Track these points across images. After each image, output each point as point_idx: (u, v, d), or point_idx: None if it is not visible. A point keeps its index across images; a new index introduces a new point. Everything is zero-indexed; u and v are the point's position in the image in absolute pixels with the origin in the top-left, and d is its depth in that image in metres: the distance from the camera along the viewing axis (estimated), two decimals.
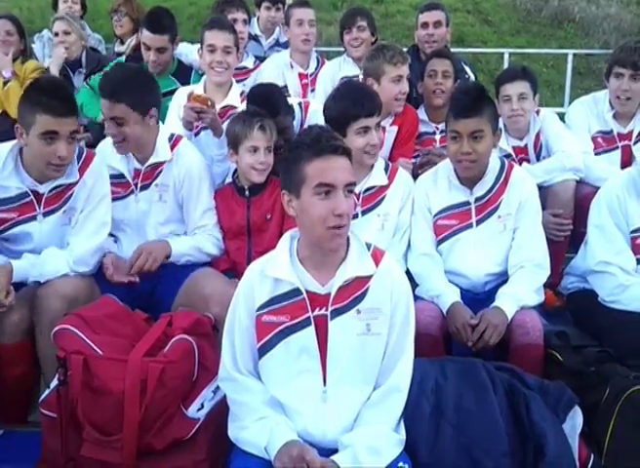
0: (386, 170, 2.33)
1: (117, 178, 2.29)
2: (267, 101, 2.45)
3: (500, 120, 2.58)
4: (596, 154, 2.88)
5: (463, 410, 1.62)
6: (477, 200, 2.22)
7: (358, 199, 2.25)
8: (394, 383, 1.58)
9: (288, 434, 1.49)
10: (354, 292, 1.58)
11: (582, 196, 2.68)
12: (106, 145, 2.33)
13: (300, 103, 2.88)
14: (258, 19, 3.85)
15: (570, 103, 3.45)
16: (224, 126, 2.49)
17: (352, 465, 1.45)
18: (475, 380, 1.68)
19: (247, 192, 2.35)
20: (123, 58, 3.28)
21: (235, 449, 1.58)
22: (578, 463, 1.63)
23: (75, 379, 1.68)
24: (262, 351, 1.59)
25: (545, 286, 2.23)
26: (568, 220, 2.68)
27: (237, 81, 2.98)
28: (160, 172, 2.30)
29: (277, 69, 3.40)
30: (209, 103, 2.52)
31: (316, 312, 1.57)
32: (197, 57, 3.21)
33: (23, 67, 3.43)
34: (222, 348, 1.65)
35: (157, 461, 1.69)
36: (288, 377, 1.58)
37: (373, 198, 2.30)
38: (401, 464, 1.50)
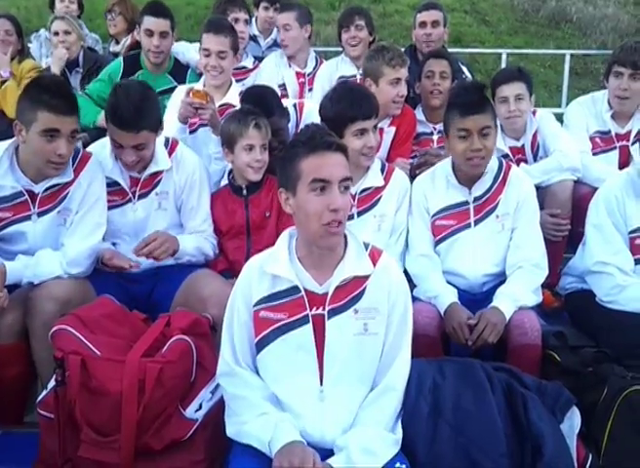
0: (382, 170, 2.33)
1: (112, 186, 2.24)
2: (261, 103, 2.45)
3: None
4: (594, 154, 2.89)
5: (462, 411, 1.62)
6: (476, 200, 2.22)
7: (354, 200, 2.25)
8: (390, 383, 1.58)
9: (292, 433, 1.49)
10: (352, 292, 1.58)
11: (580, 196, 2.68)
12: (100, 149, 2.27)
13: (294, 105, 2.89)
14: (256, 19, 3.86)
15: (567, 104, 3.46)
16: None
17: (346, 466, 1.45)
18: (473, 380, 1.68)
19: (244, 191, 2.35)
20: (121, 59, 3.26)
21: (233, 450, 1.58)
22: (576, 464, 1.63)
23: (73, 380, 1.68)
24: (260, 346, 1.59)
25: (543, 286, 2.23)
26: (566, 220, 2.68)
27: (236, 81, 2.99)
28: (160, 180, 2.27)
29: (275, 68, 3.42)
30: (208, 99, 2.51)
31: (314, 311, 1.57)
32: (194, 55, 3.23)
33: (20, 67, 3.43)
34: (222, 342, 1.65)
35: (155, 462, 1.68)
36: (285, 375, 1.58)
37: (369, 199, 2.29)
38: (398, 465, 1.50)
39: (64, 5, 3.95)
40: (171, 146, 2.32)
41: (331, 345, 1.56)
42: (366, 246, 1.64)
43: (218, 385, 1.78)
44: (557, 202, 2.69)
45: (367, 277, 1.60)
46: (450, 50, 3.76)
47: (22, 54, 3.59)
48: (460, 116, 2.10)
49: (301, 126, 2.69)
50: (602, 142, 2.91)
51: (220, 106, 2.73)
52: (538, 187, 2.46)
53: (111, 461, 1.65)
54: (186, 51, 3.29)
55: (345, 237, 1.63)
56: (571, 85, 5.34)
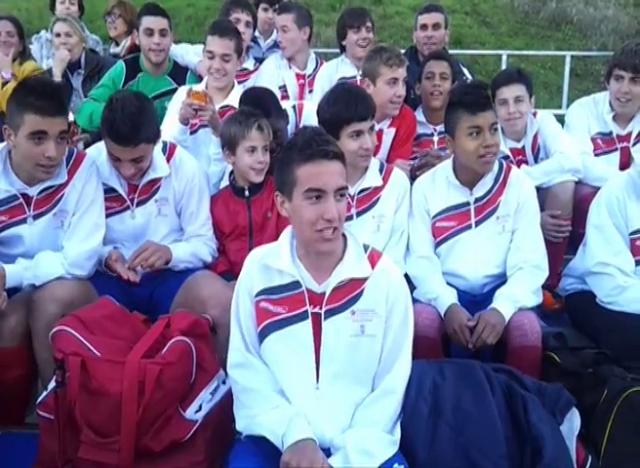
0: (381, 170, 2.32)
1: (110, 193, 2.22)
2: (259, 104, 2.45)
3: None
4: (595, 155, 2.89)
5: (461, 412, 1.62)
6: (477, 200, 2.22)
7: (353, 200, 2.25)
8: (390, 385, 1.59)
9: (306, 430, 1.49)
10: (349, 294, 1.59)
11: (581, 197, 2.68)
12: (97, 154, 2.23)
13: (294, 106, 2.89)
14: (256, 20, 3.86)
15: (568, 105, 3.48)
16: None
17: (344, 465, 1.45)
18: (473, 382, 1.68)
19: (246, 192, 2.34)
20: (122, 62, 3.27)
21: (234, 450, 1.58)
22: (575, 465, 1.63)
23: (73, 381, 1.68)
24: (260, 337, 1.60)
25: (543, 287, 2.23)
26: (566, 221, 2.68)
27: (238, 83, 2.99)
28: (159, 187, 2.25)
29: (276, 70, 3.42)
30: (207, 100, 2.51)
31: (312, 309, 1.58)
32: (193, 58, 3.23)
33: (22, 68, 3.43)
34: (231, 334, 1.65)
35: (155, 463, 1.68)
36: (283, 369, 1.59)
37: (367, 199, 2.28)
38: (396, 465, 1.50)
39: (65, 6, 3.96)
40: (169, 152, 2.29)
41: (327, 346, 1.57)
42: (365, 248, 1.64)
43: (217, 386, 1.78)
44: (558, 203, 2.69)
45: (365, 279, 1.60)
46: (450, 51, 3.77)
47: (24, 55, 3.60)
48: (471, 114, 2.10)
49: (301, 126, 2.68)
50: (603, 144, 2.91)
51: (222, 108, 2.73)
52: (538, 188, 2.47)
53: (111, 462, 1.65)
54: (185, 53, 3.29)
55: (346, 239, 1.63)
56: (571, 86, 5.35)
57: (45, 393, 1.79)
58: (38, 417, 1.77)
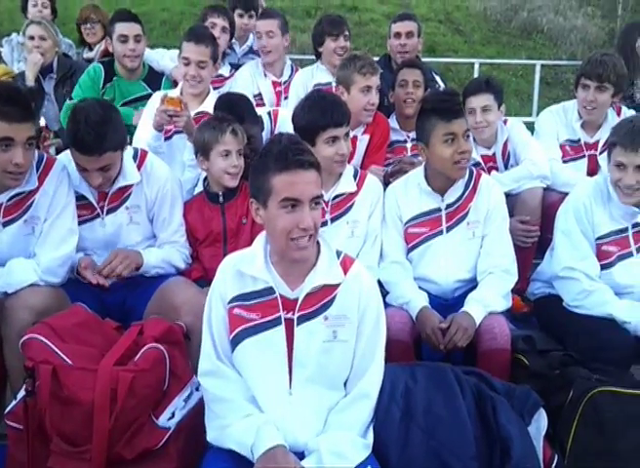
0: (355, 176, 2.35)
1: (80, 200, 2.19)
2: (233, 109, 2.45)
3: None
4: (564, 162, 2.95)
5: (433, 415, 1.64)
6: (448, 207, 2.26)
7: (327, 206, 2.27)
8: (363, 390, 1.60)
9: (275, 437, 1.49)
10: (322, 300, 1.60)
11: (549, 203, 2.75)
12: (68, 161, 2.19)
13: (269, 113, 2.89)
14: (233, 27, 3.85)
15: (538, 113, 3.55)
16: None
17: (317, 466, 1.46)
18: (444, 385, 1.71)
19: (221, 198, 2.34)
20: (99, 64, 3.24)
21: (206, 458, 1.57)
22: (542, 464, 1.67)
23: (43, 389, 1.65)
24: (233, 344, 1.60)
25: (513, 291, 2.27)
26: (535, 227, 2.75)
27: (213, 88, 2.98)
28: (129, 194, 2.23)
29: (250, 78, 3.40)
30: (182, 106, 2.50)
31: (285, 314, 1.59)
32: (168, 63, 3.22)
33: None
34: (203, 341, 1.64)
35: None
36: (256, 374, 1.59)
37: (342, 205, 2.31)
38: None
39: (37, 9, 3.91)
40: (140, 158, 2.26)
41: (300, 351, 1.58)
42: (338, 254, 1.66)
43: (191, 393, 1.78)
44: (527, 209, 2.75)
45: (338, 285, 1.61)
46: (424, 59, 3.82)
47: None
48: (446, 121, 2.14)
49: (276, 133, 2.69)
50: (572, 151, 2.98)
51: (197, 114, 2.73)
52: (508, 195, 2.52)
53: None
54: (160, 58, 3.28)
55: (319, 245, 1.64)
56: (541, 94, 5.46)
57: (14, 402, 1.76)
58: (7, 428, 1.74)
